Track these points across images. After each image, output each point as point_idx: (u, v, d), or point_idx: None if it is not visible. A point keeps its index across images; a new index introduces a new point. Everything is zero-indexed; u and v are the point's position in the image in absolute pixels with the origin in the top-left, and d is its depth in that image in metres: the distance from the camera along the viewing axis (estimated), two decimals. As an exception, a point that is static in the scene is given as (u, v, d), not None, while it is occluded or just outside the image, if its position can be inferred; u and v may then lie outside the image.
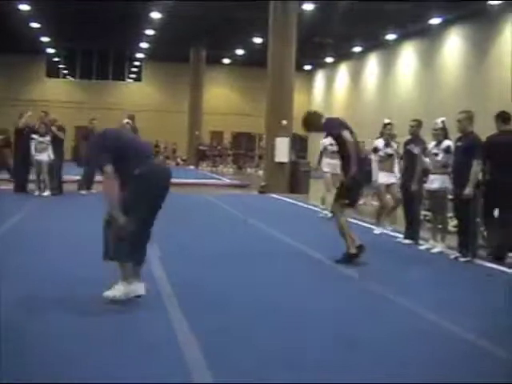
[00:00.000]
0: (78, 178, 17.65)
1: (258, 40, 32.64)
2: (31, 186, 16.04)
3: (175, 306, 5.65)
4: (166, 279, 6.50)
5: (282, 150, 20.25)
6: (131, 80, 45.42)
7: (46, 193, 15.54)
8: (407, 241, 9.92)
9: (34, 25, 32.85)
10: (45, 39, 37.33)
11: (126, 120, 16.67)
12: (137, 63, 44.69)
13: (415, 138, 10.09)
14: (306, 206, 16.22)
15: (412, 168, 9.79)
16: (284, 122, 20.11)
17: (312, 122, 8.30)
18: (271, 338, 4.86)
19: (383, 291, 6.57)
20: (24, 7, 28.68)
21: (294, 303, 5.92)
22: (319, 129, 8.55)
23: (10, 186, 16.48)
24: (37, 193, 15.52)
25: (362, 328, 5.25)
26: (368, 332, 5.13)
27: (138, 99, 42.95)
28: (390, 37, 32.63)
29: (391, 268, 8.03)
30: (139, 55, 42.47)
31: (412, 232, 9.94)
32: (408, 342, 4.95)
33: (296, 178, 20.45)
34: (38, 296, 5.81)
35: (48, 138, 15.55)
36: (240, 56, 39.61)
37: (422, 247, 9.51)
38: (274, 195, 18.83)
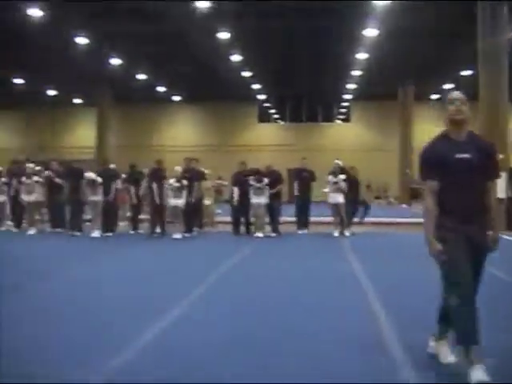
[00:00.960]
0: (292, 218, 18.03)
1: (466, 72, 31.69)
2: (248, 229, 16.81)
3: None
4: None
5: (499, 186, 19.15)
6: (340, 121, 45.84)
7: (261, 234, 16.06)
8: None
9: (246, 73, 34.38)
10: (256, 86, 38.92)
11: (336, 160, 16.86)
12: (345, 104, 45.05)
13: None
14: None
15: None
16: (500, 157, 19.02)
17: None
18: None
19: None
20: (236, 58, 30.15)
21: None
22: None
23: (228, 228, 17.19)
24: (256, 234, 16.08)
25: None
26: None
27: (347, 140, 43.21)
28: None
29: None
30: (347, 96, 42.76)
31: None
32: None
33: (514, 215, 19.19)
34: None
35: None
36: (449, 90, 38.50)
37: None
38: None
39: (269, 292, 8.15)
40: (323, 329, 6.06)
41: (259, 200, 16.14)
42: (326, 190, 16.61)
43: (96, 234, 15.88)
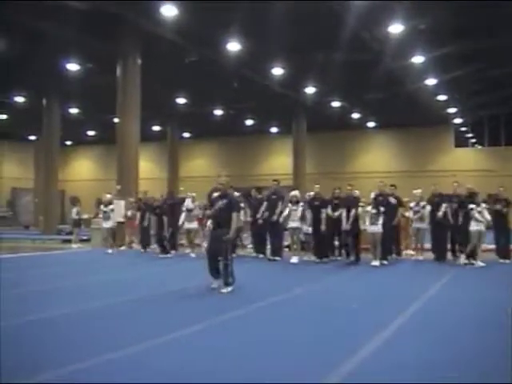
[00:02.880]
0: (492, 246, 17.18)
1: None
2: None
3: None
4: None
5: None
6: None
7: (481, 263, 15.34)
8: None
9: (441, 97, 33.64)
10: (451, 110, 37.92)
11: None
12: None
13: None
14: None
15: None
16: None
17: None
18: None
19: None
20: (431, 81, 29.61)
21: None
22: None
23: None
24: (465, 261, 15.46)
25: None
26: None
27: (550, 163, 40.57)
28: None
29: None
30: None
31: None
32: None
33: None
34: None
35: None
36: None
37: None
38: None
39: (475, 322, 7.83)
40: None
41: (479, 227, 15.32)
42: None
43: (295, 260, 16.14)
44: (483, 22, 21.82)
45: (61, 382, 5.10)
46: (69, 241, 24.70)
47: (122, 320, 8.00)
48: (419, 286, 11.22)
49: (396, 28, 21.79)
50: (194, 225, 18.70)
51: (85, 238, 24.56)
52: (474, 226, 15.33)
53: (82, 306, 8.93)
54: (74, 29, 21.46)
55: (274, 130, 46.53)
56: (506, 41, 23.39)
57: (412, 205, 17.09)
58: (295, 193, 16.84)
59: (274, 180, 18.19)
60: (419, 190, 17.27)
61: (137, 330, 7.28)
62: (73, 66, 26.64)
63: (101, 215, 20.89)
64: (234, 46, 23.68)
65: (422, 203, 16.95)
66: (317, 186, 17.00)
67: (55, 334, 7.03)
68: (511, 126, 42.29)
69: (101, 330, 7.29)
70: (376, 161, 44.96)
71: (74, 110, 37.40)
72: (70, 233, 25.22)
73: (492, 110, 38.24)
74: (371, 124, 43.47)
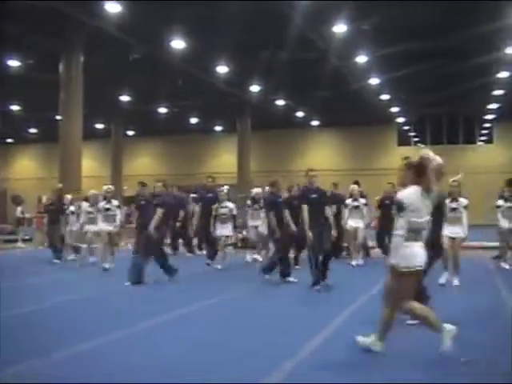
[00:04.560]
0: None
1: None
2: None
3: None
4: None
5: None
6: (482, 142, 44.15)
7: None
8: None
9: (384, 97, 34.07)
10: (394, 109, 38.44)
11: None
12: (487, 125, 43.30)
13: None
14: None
15: None
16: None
17: None
18: None
19: None
20: (374, 81, 29.97)
21: None
22: None
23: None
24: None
25: None
26: None
27: (489, 162, 41.45)
28: None
29: None
30: (488, 116, 41.15)
31: None
32: None
33: None
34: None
35: None
36: None
37: None
38: None
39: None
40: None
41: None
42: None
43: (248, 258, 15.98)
44: (427, 22, 22.13)
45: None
46: (11, 241, 24.25)
47: (70, 319, 7.90)
48: (361, 285, 11.32)
49: (340, 28, 22.00)
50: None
51: (27, 237, 24.12)
52: (506, 224, 14.62)
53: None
54: (15, 24, 21.03)
55: (218, 128, 46.46)
56: (449, 41, 23.75)
57: (348, 201, 15.49)
58: (257, 190, 15.59)
59: (209, 176, 16.10)
60: (355, 186, 15.74)
61: (84, 328, 7.20)
62: (13, 63, 26.07)
63: None
64: (178, 44, 23.55)
65: (363, 200, 15.61)
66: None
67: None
68: (453, 125, 43.18)
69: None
70: (320, 159, 45.16)
71: (15, 107, 36.66)
72: (12, 232, 24.76)
73: (434, 109, 38.85)
74: (315, 122, 43.74)
